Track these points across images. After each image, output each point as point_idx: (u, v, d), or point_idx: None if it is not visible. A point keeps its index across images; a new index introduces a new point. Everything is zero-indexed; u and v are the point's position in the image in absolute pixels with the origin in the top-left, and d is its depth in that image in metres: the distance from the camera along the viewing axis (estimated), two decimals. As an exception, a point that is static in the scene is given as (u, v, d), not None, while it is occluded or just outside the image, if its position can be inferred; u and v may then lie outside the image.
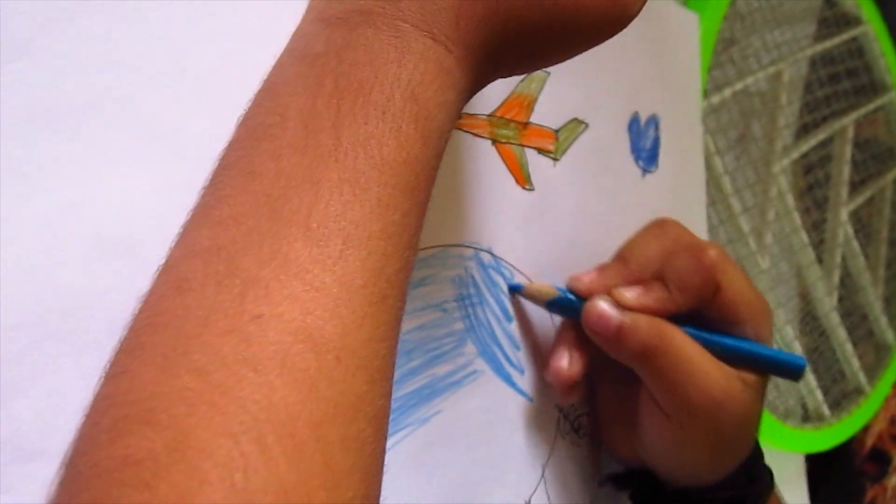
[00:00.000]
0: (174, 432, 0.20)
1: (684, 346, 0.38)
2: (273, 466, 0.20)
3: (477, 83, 0.29)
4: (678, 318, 0.39)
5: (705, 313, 0.40)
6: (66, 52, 0.26)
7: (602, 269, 0.41)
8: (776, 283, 0.72)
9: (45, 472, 0.23)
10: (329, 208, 0.23)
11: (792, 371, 0.40)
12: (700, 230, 0.58)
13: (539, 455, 0.42)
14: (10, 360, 0.24)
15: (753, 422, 0.41)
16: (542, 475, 0.42)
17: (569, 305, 0.40)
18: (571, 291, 0.40)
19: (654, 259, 0.41)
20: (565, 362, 0.40)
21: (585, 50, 0.31)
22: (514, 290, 0.41)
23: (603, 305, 0.39)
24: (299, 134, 0.24)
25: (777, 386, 0.70)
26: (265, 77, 0.27)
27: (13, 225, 0.24)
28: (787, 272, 0.75)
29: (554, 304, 0.41)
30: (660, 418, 0.39)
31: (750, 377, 0.39)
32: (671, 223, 0.42)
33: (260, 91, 0.27)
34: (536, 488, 0.41)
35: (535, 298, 0.41)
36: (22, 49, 0.25)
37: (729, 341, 0.39)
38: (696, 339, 0.38)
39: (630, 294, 0.39)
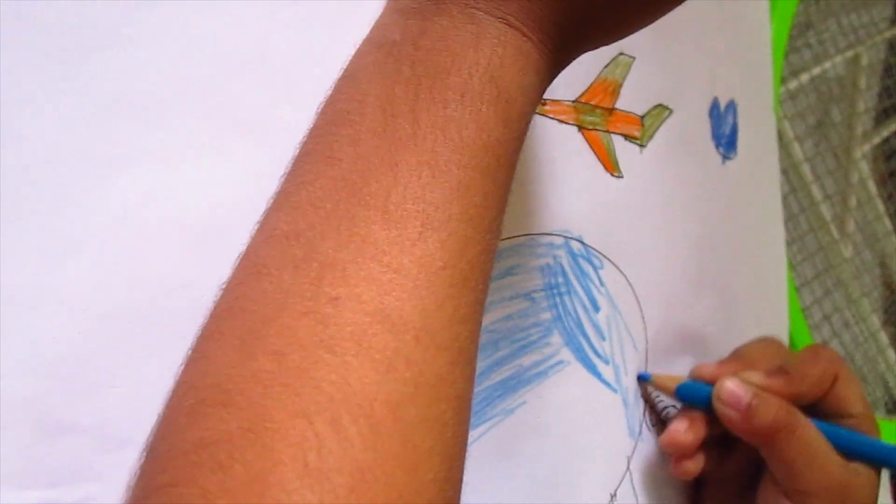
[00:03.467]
0: (249, 413, 0.20)
1: (809, 430, 0.39)
2: (348, 447, 0.20)
3: (557, 64, 0.28)
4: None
5: (819, 407, 0.41)
6: (149, 42, 0.26)
7: (723, 362, 0.43)
8: (859, 271, 0.71)
9: (131, 462, 0.23)
10: (408, 191, 0.23)
11: None
12: (776, 218, 0.57)
13: (624, 447, 0.41)
14: (97, 351, 0.24)
15: None
16: (628, 468, 0.41)
17: (698, 390, 0.41)
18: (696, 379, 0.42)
19: (771, 357, 0.42)
20: (683, 427, 0.41)
21: (660, 16, 0.30)
22: (643, 380, 0.43)
23: (735, 382, 0.40)
24: (377, 119, 0.24)
25: (863, 377, 0.68)
26: (345, 66, 0.27)
27: (98, 214, 0.24)
28: (870, 260, 0.73)
29: (683, 390, 0.42)
30: (779, 500, 0.40)
31: (864, 469, 0.40)
32: (776, 341, 0.45)
33: (339, 80, 0.27)
34: (622, 481, 0.41)
35: (663, 388, 0.42)
36: (107, 38, 0.25)
37: (845, 433, 0.40)
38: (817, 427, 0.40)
39: (756, 377, 0.40)
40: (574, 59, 0.29)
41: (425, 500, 0.21)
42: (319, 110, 0.26)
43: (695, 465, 0.42)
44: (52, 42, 0.24)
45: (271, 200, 0.25)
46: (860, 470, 0.39)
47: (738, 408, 0.39)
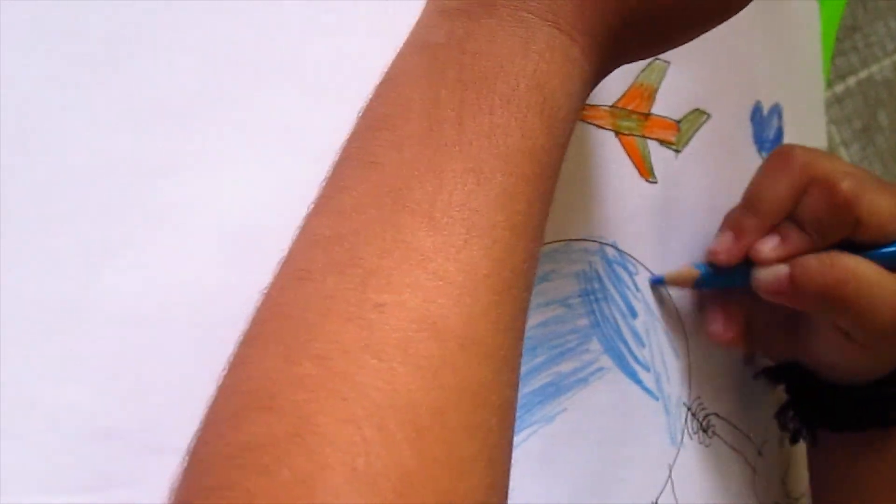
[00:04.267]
0: (295, 418, 0.20)
1: (859, 268, 0.37)
2: (395, 452, 0.20)
3: (601, 71, 0.28)
4: None
5: (858, 236, 0.38)
6: (185, 48, 0.26)
7: (733, 226, 0.40)
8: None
9: (170, 467, 0.23)
10: (453, 197, 0.23)
11: None
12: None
13: (666, 456, 0.40)
14: (135, 356, 0.24)
15: None
16: (669, 476, 0.40)
17: (716, 278, 0.40)
18: (712, 265, 0.40)
19: (785, 199, 0.39)
20: (720, 327, 0.41)
21: (707, 29, 0.30)
22: (657, 283, 0.41)
23: (765, 271, 0.38)
24: (422, 124, 0.24)
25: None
26: (386, 70, 0.27)
27: (138, 220, 0.25)
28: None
29: (701, 283, 0.41)
30: (842, 342, 0.39)
31: None
32: (795, 152, 0.40)
33: (380, 83, 0.27)
34: (663, 489, 0.40)
35: (680, 283, 0.41)
36: (141, 45, 0.25)
37: (891, 250, 0.38)
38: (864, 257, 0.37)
39: (768, 247, 0.39)
40: (617, 67, 0.29)
41: None
42: (360, 114, 0.26)
43: (737, 332, 0.41)
44: (86, 49, 0.24)
45: (312, 205, 0.25)
46: None
47: (782, 290, 0.38)
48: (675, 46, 0.31)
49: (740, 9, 0.29)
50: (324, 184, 0.25)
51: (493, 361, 0.22)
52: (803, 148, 0.40)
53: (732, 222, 0.40)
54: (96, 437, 0.24)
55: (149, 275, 0.25)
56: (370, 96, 0.26)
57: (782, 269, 0.38)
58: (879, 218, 0.38)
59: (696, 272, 0.40)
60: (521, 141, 0.24)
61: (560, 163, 0.26)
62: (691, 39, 0.30)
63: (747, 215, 0.40)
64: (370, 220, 0.23)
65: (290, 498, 0.19)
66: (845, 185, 0.37)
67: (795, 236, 0.38)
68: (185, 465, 0.22)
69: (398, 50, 0.27)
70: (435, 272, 0.22)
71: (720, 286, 0.41)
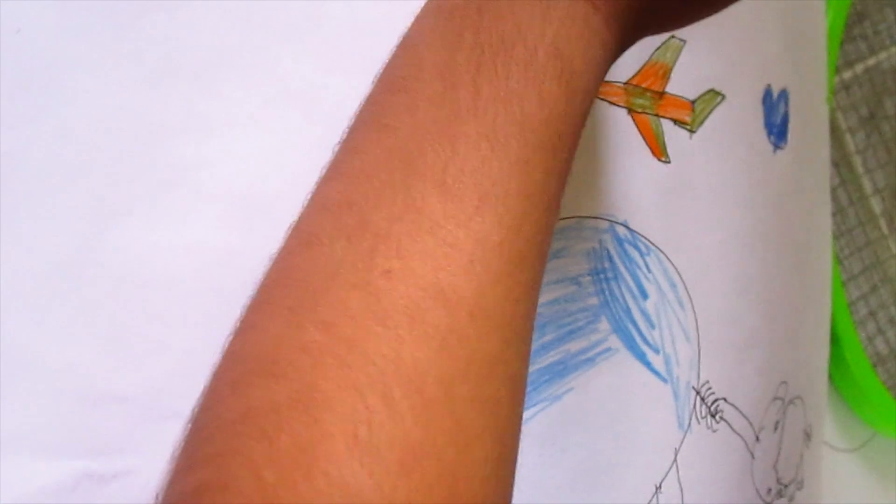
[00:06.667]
0: (297, 384, 0.20)
1: None
2: (399, 421, 0.19)
3: (623, 43, 0.27)
4: None
5: None
6: (200, 8, 0.25)
7: None
8: (910, 268, 0.69)
9: (173, 434, 0.23)
10: (466, 163, 0.22)
11: None
12: (825, 210, 0.56)
13: (672, 440, 0.40)
14: (142, 320, 0.24)
15: None
16: (675, 460, 0.40)
17: None
18: None
19: None
20: None
21: (726, 6, 0.29)
22: None
23: None
24: (436, 88, 0.23)
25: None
26: (404, 32, 0.26)
27: (146, 181, 0.24)
28: (921, 257, 0.71)
29: None
30: None
31: None
32: None
33: (398, 45, 0.26)
34: (667, 473, 0.40)
35: None
36: (157, 1, 0.24)
37: None
38: None
39: None
40: (639, 39, 0.28)
41: (477, 479, 0.20)
42: (376, 77, 0.26)
43: None
44: (101, 3, 0.23)
45: (324, 170, 0.24)
46: None
47: None
48: (698, 19, 0.30)
49: None
50: (337, 147, 0.25)
51: (504, 332, 0.22)
52: None
53: None
54: (100, 401, 0.23)
55: (155, 236, 0.24)
56: (388, 58, 0.26)
57: None
58: None
59: None
60: (539, 108, 0.23)
61: (579, 134, 0.26)
62: (707, 17, 0.29)
63: None
64: (381, 184, 0.22)
65: (291, 465, 0.18)
66: None
67: None
68: (187, 430, 0.21)
69: (417, 13, 0.26)
70: (445, 239, 0.21)
71: None
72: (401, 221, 0.22)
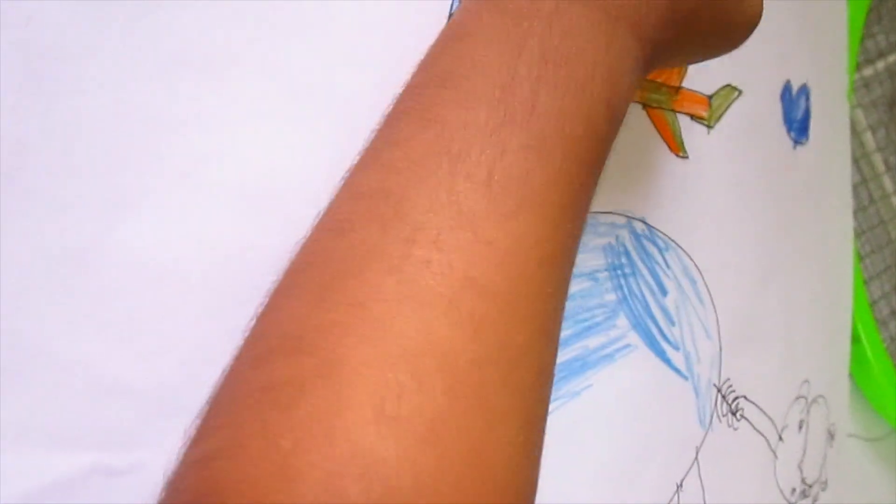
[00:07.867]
0: (322, 359, 0.20)
1: None
2: (429, 395, 0.19)
3: (649, 71, 0.29)
4: None
5: None
6: (214, 1, 0.25)
7: None
8: (932, 266, 0.68)
9: (185, 428, 0.23)
10: (512, 168, 0.23)
11: None
12: (846, 207, 0.55)
13: (693, 437, 0.40)
14: (153, 313, 0.24)
15: None
16: (696, 458, 0.40)
17: None
18: None
19: None
20: None
21: (726, 52, 0.32)
22: None
23: None
24: (492, 89, 0.24)
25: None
26: (451, 22, 0.26)
27: (157, 174, 0.24)
28: (944, 255, 0.70)
29: None
30: None
31: None
32: None
33: (445, 38, 0.26)
34: (689, 471, 0.39)
35: None
36: None
37: None
38: None
39: None
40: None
41: (502, 459, 0.20)
42: (420, 66, 0.26)
43: None
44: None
45: (358, 158, 0.24)
46: None
47: None
48: (714, 56, 0.32)
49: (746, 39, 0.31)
50: (373, 136, 0.25)
51: (533, 325, 0.22)
52: None
53: None
54: (109, 394, 0.23)
55: (166, 230, 0.24)
56: (432, 49, 0.26)
57: None
58: None
59: None
60: (585, 127, 0.24)
61: (610, 148, 0.27)
62: (731, 50, 0.32)
63: None
64: (421, 177, 0.23)
65: (308, 433, 0.18)
66: None
67: None
68: (203, 411, 0.21)
69: (464, 5, 0.26)
70: (483, 236, 0.22)
71: None
72: (439, 214, 0.22)
